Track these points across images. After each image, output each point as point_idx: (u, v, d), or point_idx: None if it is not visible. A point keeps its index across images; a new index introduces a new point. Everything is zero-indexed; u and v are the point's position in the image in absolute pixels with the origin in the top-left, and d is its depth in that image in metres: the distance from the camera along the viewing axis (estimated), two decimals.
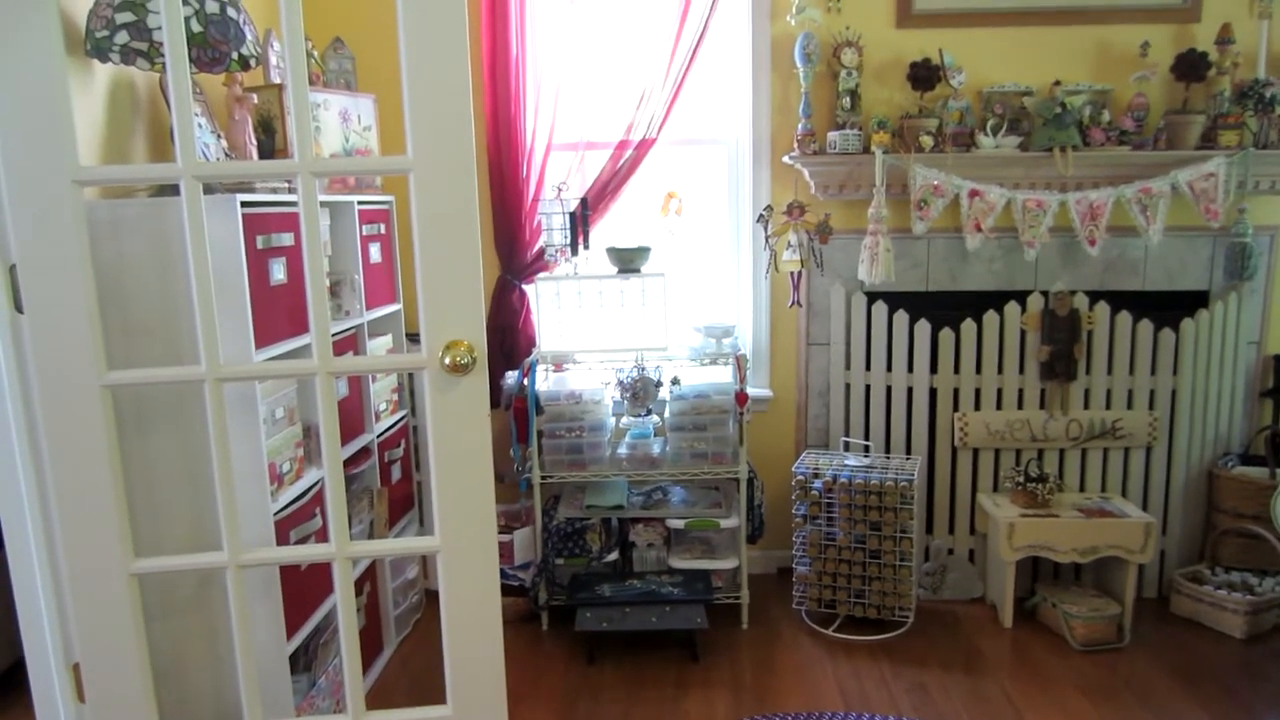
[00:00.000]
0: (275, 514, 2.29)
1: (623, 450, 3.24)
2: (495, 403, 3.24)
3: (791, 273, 3.31)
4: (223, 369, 1.67)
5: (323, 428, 1.68)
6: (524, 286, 3.46)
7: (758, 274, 3.46)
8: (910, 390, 3.42)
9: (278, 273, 2.32)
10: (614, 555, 3.22)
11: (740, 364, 3.08)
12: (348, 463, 2.80)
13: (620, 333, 3.16)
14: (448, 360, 1.65)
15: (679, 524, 3.19)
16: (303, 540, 2.41)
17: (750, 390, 3.26)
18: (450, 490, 1.74)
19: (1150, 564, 3.28)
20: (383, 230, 3.11)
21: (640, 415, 3.25)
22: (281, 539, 2.30)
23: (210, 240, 1.63)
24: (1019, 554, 3.11)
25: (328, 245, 2.79)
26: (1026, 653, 2.98)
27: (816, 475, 3.16)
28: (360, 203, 2.89)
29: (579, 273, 3.20)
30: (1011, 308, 3.34)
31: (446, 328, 1.67)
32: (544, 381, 3.38)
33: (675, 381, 3.17)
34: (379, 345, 3.07)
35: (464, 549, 1.76)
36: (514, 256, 3.41)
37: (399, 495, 3.21)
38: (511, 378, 3.26)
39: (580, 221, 3.17)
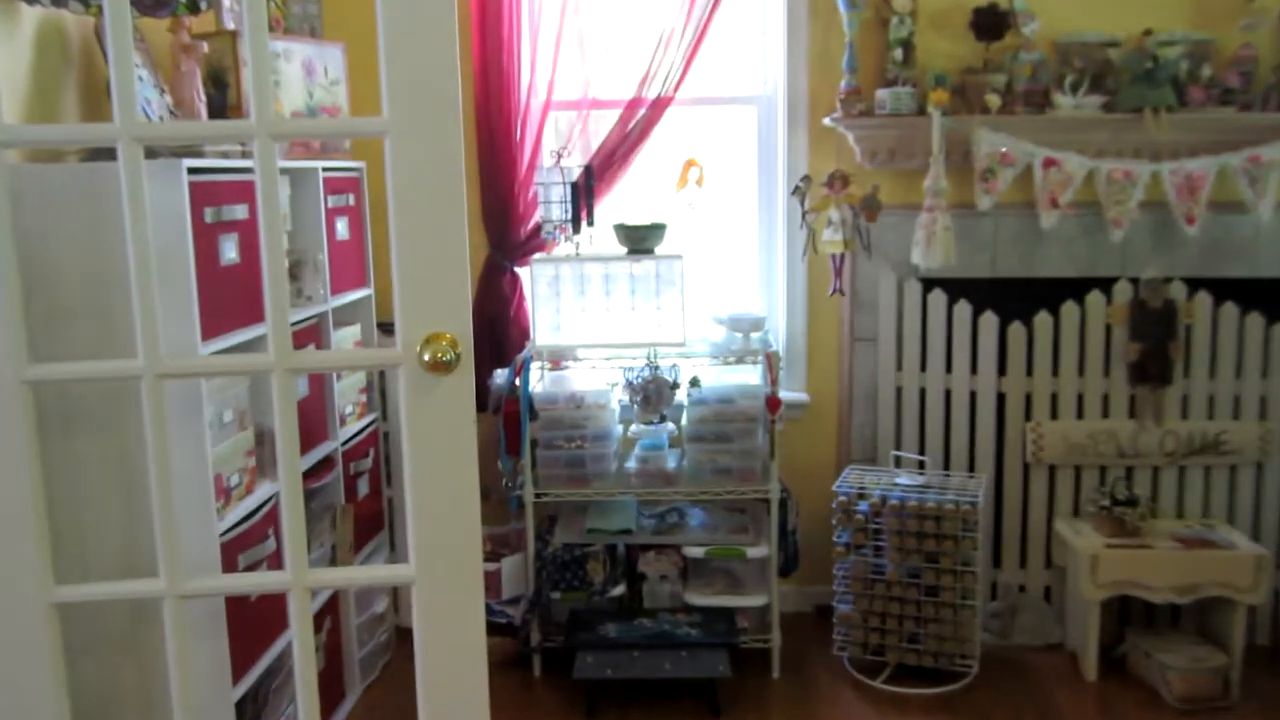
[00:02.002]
0: (222, 535, 2.30)
1: (632, 464, 3.24)
2: (482, 406, 3.23)
3: (833, 255, 3.30)
4: (164, 363, 1.68)
5: (279, 434, 1.69)
6: (516, 270, 3.47)
7: (793, 257, 3.45)
8: (974, 395, 3.42)
9: (229, 251, 2.33)
10: (620, 589, 3.22)
11: (771, 363, 3.08)
12: (307, 475, 2.81)
13: (630, 325, 3.16)
14: (427, 356, 1.65)
15: (698, 552, 3.19)
16: (253, 566, 2.42)
17: (783, 394, 3.24)
18: (428, 509, 1.74)
19: (1263, 605, 3.21)
20: (351, 202, 3.11)
21: (653, 423, 3.25)
22: (229, 564, 2.31)
23: (152, 212, 1.63)
24: (1105, 592, 3.09)
25: (287, 219, 2.78)
26: (1114, 711, 2.95)
27: (862, 496, 3.16)
28: (326, 170, 2.90)
29: (581, 254, 3.20)
30: (1094, 298, 3.34)
31: (425, 318, 1.67)
32: (539, 381, 3.37)
33: (694, 383, 3.17)
34: (345, 337, 3.07)
35: (443, 579, 1.76)
36: (505, 234, 3.41)
37: (367, 514, 3.22)
38: (501, 377, 3.26)
39: (583, 194, 3.17)
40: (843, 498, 3.17)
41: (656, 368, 3.14)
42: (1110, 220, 3.19)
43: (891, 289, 3.43)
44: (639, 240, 3.19)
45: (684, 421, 3.24)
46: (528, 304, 3.44)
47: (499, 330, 3.45)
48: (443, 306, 1.69)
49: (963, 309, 3.39)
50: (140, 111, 2.16)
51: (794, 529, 3.25)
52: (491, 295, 3.44)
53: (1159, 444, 3.31)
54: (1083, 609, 3.16)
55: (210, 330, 2.26)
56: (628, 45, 3.38)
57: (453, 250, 1.67)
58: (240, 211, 2.37)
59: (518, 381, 3.11)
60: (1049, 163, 3.17)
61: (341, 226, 3.03)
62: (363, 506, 3.18)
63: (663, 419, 3.29)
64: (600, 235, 3.32)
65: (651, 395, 3.13)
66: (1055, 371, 3.37)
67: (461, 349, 1.68)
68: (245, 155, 2.45)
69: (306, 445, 2.78)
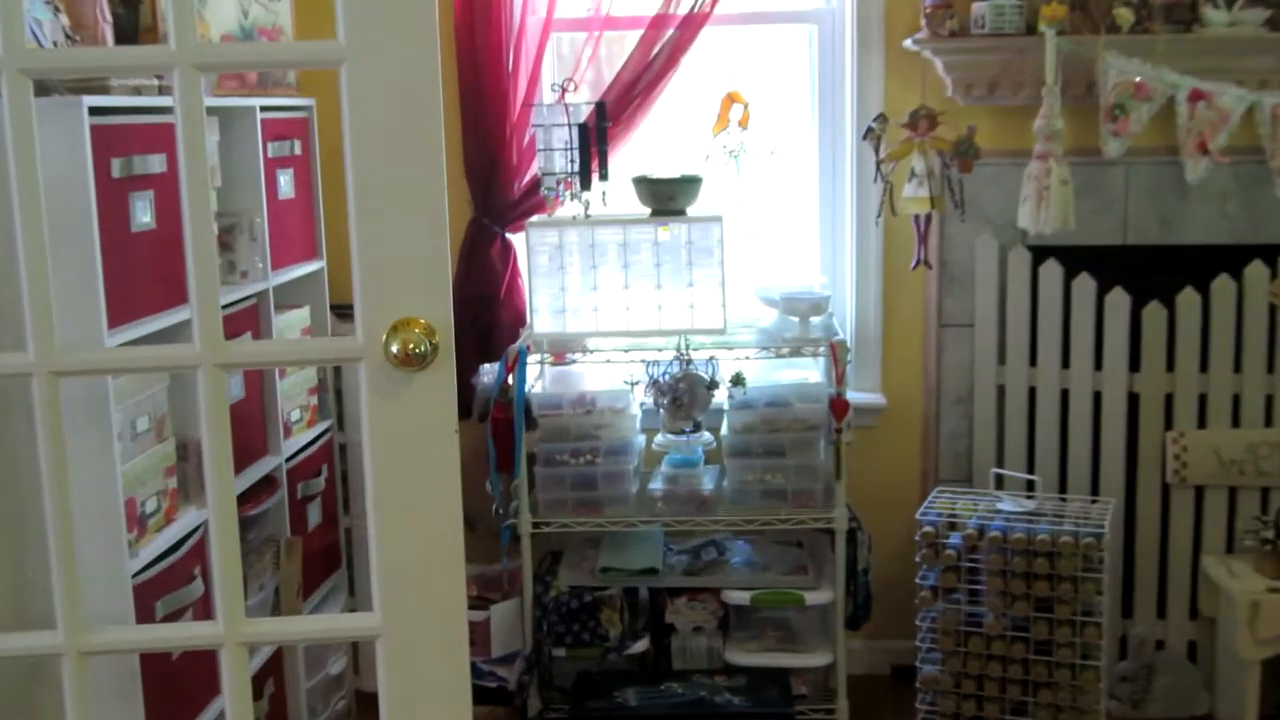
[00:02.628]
0: (135, 575, 2.30)
1: (657, 485, 3.24)
2: (465, 412, 3.26)
3: (915, 217, 3.29)
4: (59, 357, 1.68)
5: (207, 447, 1.69)
6: (509, 237, 3.48)
7: (863, 219, 3.45)
8: (1098, 396, 3.40)
9: (142, 213, 2.33)
10: (642, 645, 3.23)
11: (837, 355, 3.07)
12: (243, 499, 2.82)
13: (654, 307, 3.16)
14: (395, 348, 1.64)
15: (742, 598, 3.19)
16: (175, 615, 2.42)
17: (852, 396, 3.22)
18: (397, 543, 1.74)
19: None
20: (298, 150, 3.12)
21: (684, 432, 3.25)
22: (144, 613, 2.31)
23: (44, 163, 1.64)
24: (1267, 650, 3.08)
25: (216, 173, 2.79)
26: None
27: (953, 526, 3.16)
28: (265, 110, 2.91)
29: (592, 216, 3.21)
30: (1255, 271, 3.31)
31: (393, 299, 1.66)
32: (538, 380, 3.38)
33: (738, 381, 3.16)
34: (291, 324, 3.09)
35: (416, 632, 1.77)
36: (494, 191, 3.42)
37: (319, 548, 3.23)
38: (489, 374, 3.27)
39: (594, 139, 3.17)
40: (928, 528, 3.16)
41: (689, 362, 3.13)
42: (1276, 171, 3.16)
43: (992, 260, 3.41)
44: (666, 198, 3.18)
45: (724, 431, 3.23)
46: (523, 281, 3.44)
47: (487, 315, 3.45)
48: (415, 285, 1.68)
49: (1084, 286, 3.37)
50: (29, 36, 2.16)
51: (866, 568, 3.24)
52: (477, 270, 3.44)
53: None
54: (1238, 671, 3.15)
55: (119, 315, 2.26)
56: None
57: (428, 212, 1.67)
58: (156, 163, 2.37)
59: (510, 380, 3.11)
60: (1196, 96, 3.14)
61: (285, 182, 3.03)
62: (314, 539, 3.18)
63: (697, 427, 3.26)
64: (616, 192, 3.32)
65: (683, 397, 3.13)
66: (1204, 367, 3.35)
67: (439, 339, 1.68)
68: (163, 91, 2.44)
69: (242, 461, 2.78)
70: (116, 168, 2.26)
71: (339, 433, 3.40)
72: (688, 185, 3.19)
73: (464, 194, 3.43)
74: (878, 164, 3.27)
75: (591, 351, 3.23)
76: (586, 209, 3.22)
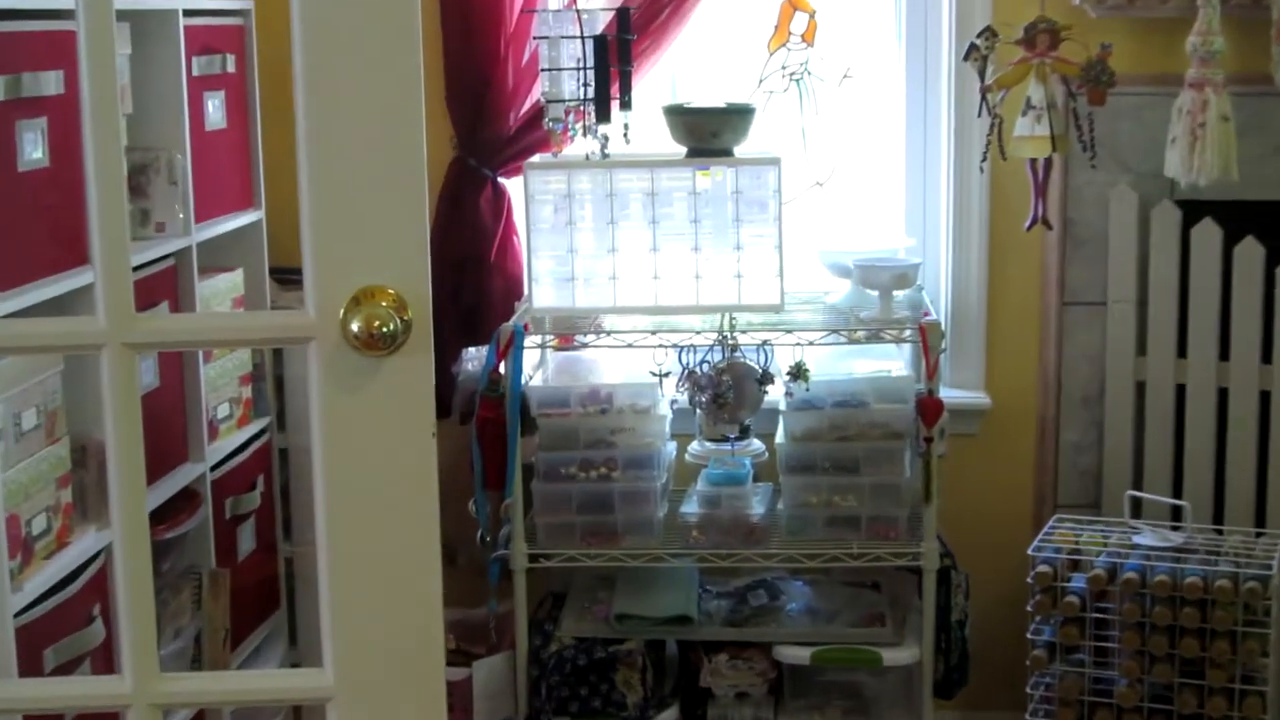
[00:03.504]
0: (18, 614, 2.30)
1: (692, 508, 3.25)
2: (443, 409, 3.26)
3: (1031, 162, 3.28)
4: None
5: (112, 450, 1.69)
6: (502, 182, 3.48)
7: (963, 164, 3.45)
8: (1266, 398, 3.40)
9: (31, 149, 2.33)
10: (670, 715, 3.22)
11: (928, 340, 3.07)
12: (157, 518, 2.80)
13: (690, 276, 3.15)
14: (355, 326, 1.63)
15: (800, 656, 3.19)
16: (70, 666, 2.41)
17: (947, 394, 3.20)
18: (354, 579, 1.75)
19: None
20: (231, 67, 3.12)
21: (728, 439, 3.24)
22: (30, 662, 2.31)
23: None
24: None
25: (127, 96, 2.79)
26: None
27: (1076, 566, 3.15)
28: (190, 14, 2.92)
29: (610, 156, 3.21)
30: None
31: (355, 262, 1.67)
32: (537, 369, 3.37)
33: (798, 374, 3.15)
34: (220, 291, 3.10)
35: (378, 694, 1.77)
36: (483, 123, 3.42)
37: (253, 583, 3.23)
38: (475, 361, 3.27)
39: (615, 56, 3.17)
40: (1044, 567, 3.14)
41: (735, 348, 3.13)
42: None
43: (1130, 219, 3.40)
44: (707, 134, 3.16)
45: (780, 438, 3.23)
46: (520, 240, 3.44)
47: (472, 284, 3.47)
48: (382, 244, 1.69)
49: (1250, 253, 3.35)
50: None
51: (962, 619, 3.24)
52: (461, 225, 3.45)
53: None
54: None
55: (0, 280, 2.26)
56: None
57: (399, 149, 1.67)
58: (50, 82, 2.36)
59: (502, 369, 3.11)
60: None
61: (214, 108, 3.02)
62: (247, 570, 3.18)
63: (744, 433, 3.26)
64: (642, 126, 3.30)
65: (726, 394, 3.11)
66: None
67: (413, 314, 1.68)
68: None
69: (155, 470, 2.79)
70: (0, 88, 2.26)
71: (279, 434, 3.40)
72: (735, 118, 3.17)
73: (445, 126, 3.43)
74: (983, 93, 3.25)
75: (608, 333, 3.22)
76: (603, 147, 3.21)
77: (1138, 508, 3.36)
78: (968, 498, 3.51)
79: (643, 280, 3.17)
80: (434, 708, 1.78)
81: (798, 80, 3.35)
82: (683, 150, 3.21)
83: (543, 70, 3.22)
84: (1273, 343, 3.38)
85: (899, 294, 3.22)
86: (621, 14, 3.20)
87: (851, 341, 3.22)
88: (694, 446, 3.31)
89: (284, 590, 3.42)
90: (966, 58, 3.27)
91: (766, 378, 3.15)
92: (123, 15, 2.69)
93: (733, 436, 3.25)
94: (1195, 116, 3.16)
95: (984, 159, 3.34)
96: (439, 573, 1.75)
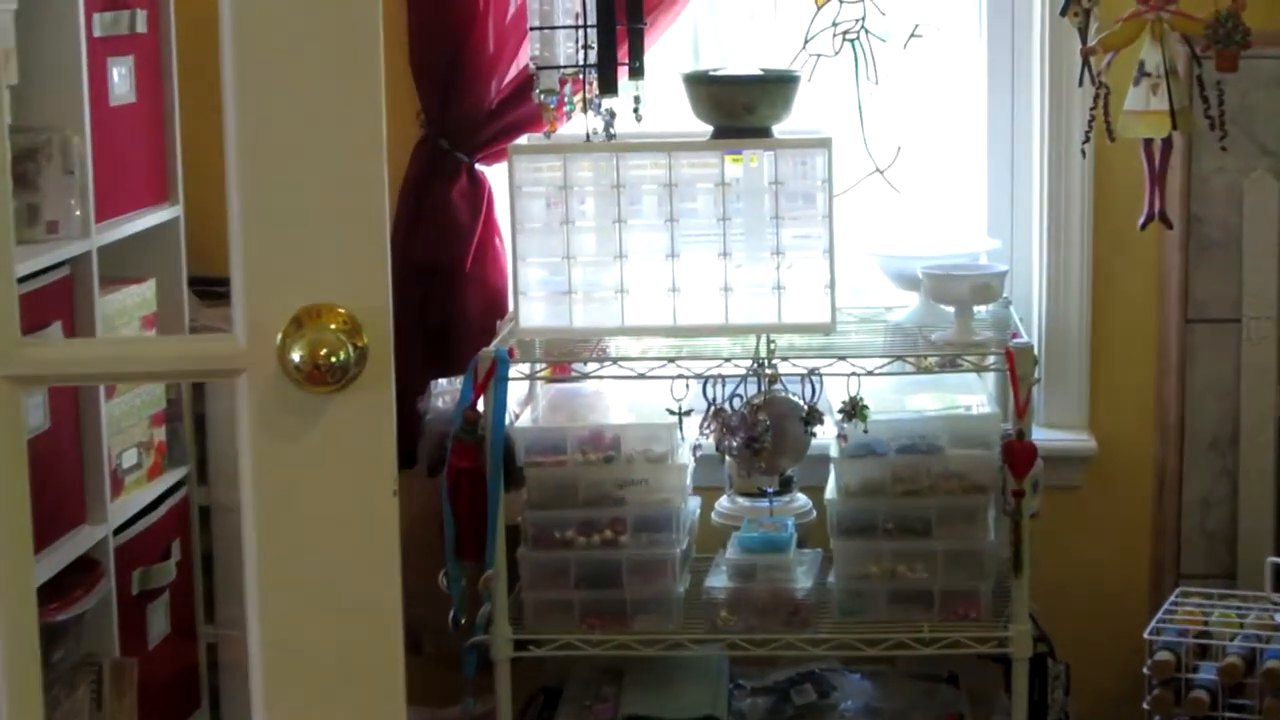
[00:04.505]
0: None
1: (720, 581, 3.23)
2: (407, 458, 3.25)
3: (1147, 143, 3.25)
4: None
5: None
6: (481, 169, 3.50)
7: (1060, 146, 3.46)
8: None
9: None
10: None
11: (1017, 369, 3.03)
12: (47, 594, 2.79)
13: (717, 288, 3.13)
14: (298, 355, 1.63)
15: None
16: None
17: (1041, 436, 3.19)
18: (295, 670, 1.74)
19: None
20: (141, 26, 3.12)
21: (765, 494, 3.25)
22: None
23: None
24: None
25: (12, 61, 2.78)
26: None
27: (1205, 652, 3.13)
28: None
29: (617, 137, 3.21)
30: None
31: (296, 273, 1.67)
32: (525, 406, 3.37)
33: (854, 411, 3.11)
34: (126, 308, 3.10)
35: None
36: (458, 95, 3.46)
37: (165, 676, 3.22)
38: (445, 395, 3.28)
39: (622, 11, 3.16)
40: (1165, 654, 3.12)
41: (774, 380, 3.12)
42: None
43: (1270, 213, 3.40)
44: (740, 110, 3.15)
45: (830, 493, 3.22)
46: (503, 243, 3.45)
47: (444, 298, 3.49)
48: (331, 250, 1.69)
49: None
50: None
51: (1062, 719, 3.21)
52: (429, 225, 3.47)
53: None
54: None
55: None
56: None
57: (351, 130, 1.68)
58: None
59: (481, 406, 3.08)
60: None
61: (120, 78, 3.03)
62: (159, 660, 3.17)
63: (785, 487, 3.25)
64: (658, 99, 3.30)
65: (763, 437, 3.09)
66: None
67: (368, 338, 1.67)
68: None
69: (45, 534, 2.79)
70: None
71: (200, 489, 3.40)
72: (775, 89, 3.17)
73: (409, 99, 3.46)
74: (1085, 57, 3.22)
75: (614, 360, 3.20)
76: (608, 126, 3.21)
77: None
78: (1068, 567, 3.51)
79: (658, 294, 3.16)
80: None
81: (853, 41, 3.32)
82: (708, 130, 3.20)
83: (532, 29, 3.20)
84: None
85: (980, 310, 3.23)
86: None
87: (920, 370, 3.20)
88: (722, 503, 3.32)
89: (205, 685, 3.40)
90: (1064, 12, 3.24)
91: (813, 417, 3.13)
92: None
93: (771, 491, 3.24)
94: None
95: (1086, 140, 3.30)
96: (401, 664, 1.75)
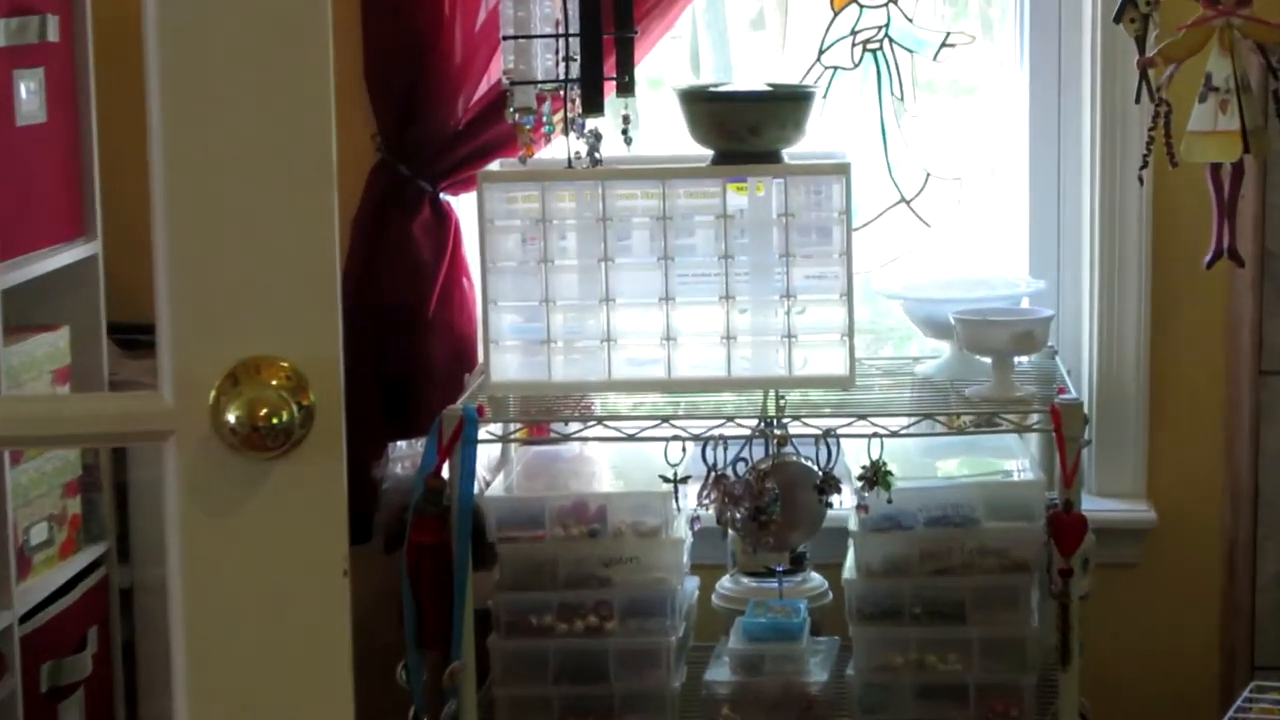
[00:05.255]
0: None
1: (721, 674, 3.23)
2: (361, 532, 3.23)
3: (1214, 168, 3.25)
4: None
5: None
6: (446, 201, 3.52)
7: (1114, 172, 3.47)
8: None
9: None
10: None
11: (1063, 429, 3.02)
12: None
13: (717, 338, 3.14)
14: (234, 416, 1.63)
15: None
16: None
17: (1092, 506, 3.19)
18: None
19: None
20: (53, 34, 3.11)
21: (774, 572, 3.25)
22: None
23: None
24: None
25: None
26: None
27: None
28: None
29: (604, 163, 3.19)
30: None
31: (232, 322, 1.68)
32: (498, 472, 3.38)
33: (874, 479, 3.10)
34: (36, 359, 3.09)
35: None
36: (418, 115, 3.47)
37: None
38: (405, 461, 3.29)
39: (610, 19, 3.14)
40: None
41: (784, 442, 3.12)
42: None
43: None
44: (744, 130, 3.15)
45: (849, 571, 3.21)
46: (472, 285, 3.47)
47: (404, 349, 3.49)
48: (270, 294, 1.69)
49: None
50: None
51: None
52: (387, 264, 3.48)
53: None
54: None
55: None
56: None
57: (297, 153, 1.69)
58: None
59: (446, 473, 3.07)
60: None
61: (29, 94, 3.03)
62: None
63: (797, 563, 3.25)
64: (650, 119, 3.35)
65: (771, 508, 3.08)
66: None
67: (315, 396, 1.67)
68: None
69: None
70: None
71: (120, 569, 3.38)
72: (784, 107, 3.17)
73: (364, 118, 3.48)
74: (1142, 70, 3.22)
75: (600, 420, 3.20)
76: (593, 149, 3.19)
77: None
78: (1124, 657, 3.51)
79: (650, 343, 3.16)
80: None
81: (875, 52, 3.37)
82: (708, 154, 3.20)
83: (505, 38, 3.19)
84: None
85: (1022, 361, 3.24)
86: None
87: (953, 431, 3.19)
88: (724, 584, 3.31)
89: None
90: (1118, 19, 3.25)
91: (829, 484, 3.12)
92: None
93: (780, 569, 3.25)
94: None
95: (1144, 165, 3.29)
96: None
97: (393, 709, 3.20)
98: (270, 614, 1.73)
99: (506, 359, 3.18)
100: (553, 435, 3.36)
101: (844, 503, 3.18)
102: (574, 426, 3.25)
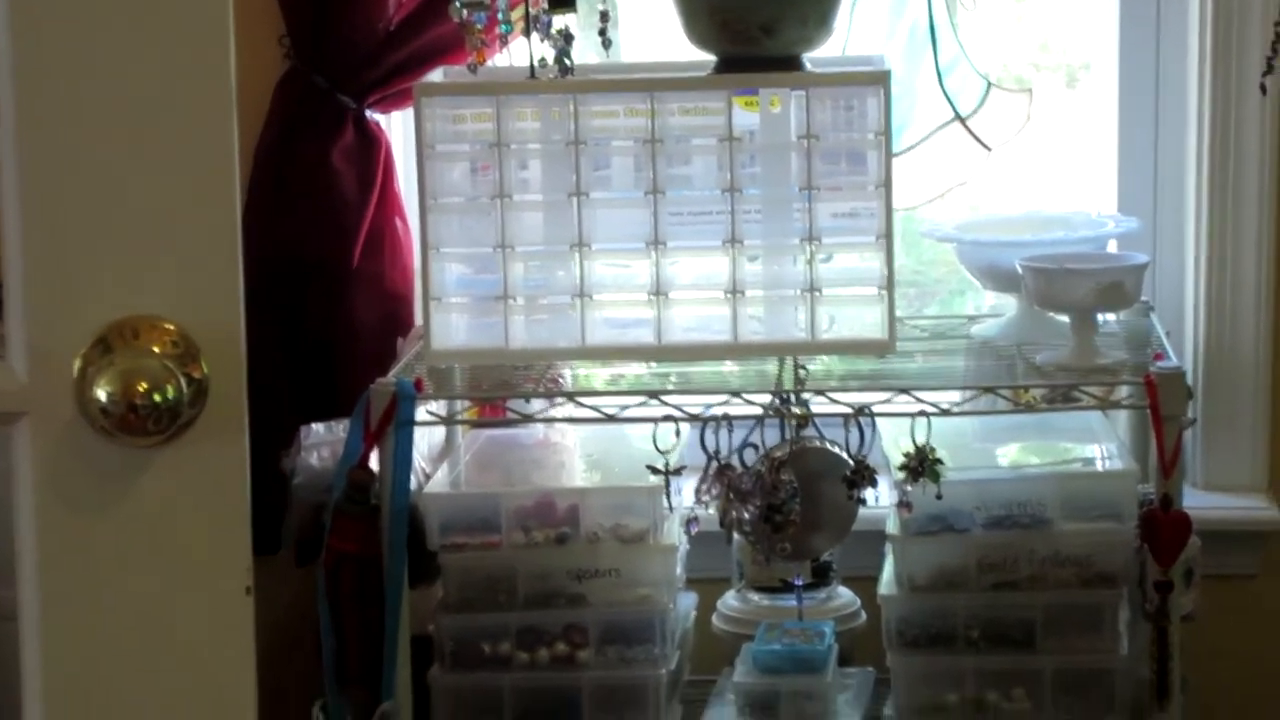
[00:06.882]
0: None
1: (724, 715, 3.26)
2: (268, 539, 3.31)
3: None
4: None
5: None
6: (373, 118, 3.56)
7: (1225, 83, 3.48)
8: None
9: None
10: None
11: (1160, 405, 3.05)
12: None
13: (719, 292, 3.15)
14: (105, 392, 1.66)
15: None
16: None
17: (1196, 502, 3.23)
18: None
19: None
20: None
21: (792, 585, 3.30)
22: None
23: None
24: None
25: None
26: None
27: None
28: None
29: (575, 72, 3.21)
30: None
31: (100, 275, 1.71)
32: (441, 462, 3.44)
33: (920, 469, 3.13)
34: None
35: None
36: (338, 13, 3.49)
37: None
38: (323, 447, 3.34)
39: None
40: None
41: (804, 423, 3.15)
42: None
43: None
44: (755, 30, 3.17)
45: (887, 585, 3.25)
46: (407, 227, 3.54)
47: (322, 308, 3.54)
48: (150, 238, 1.73)
49: None
50: None
51: None
52: (300, 201, 3.52)
53: None
54: None
55: None
56: None
57: (185, 67, 1.71)
58: None
59: (375, 463, 3.12)
60: None
61: None
62: None
63: (821, 575, 3.33)
64: (633, 16, 3.40)
65: (788, 506, 3.12)
66: None
67: (209, 368, 1.71)
68: None
69: None
70: None
71: None
72: (805, 1, 3.17)
73: (271, 17, 3.51)
74: None
75: (569, 396, 3.23)
76: (563, 55, 3.21)
77: None
78: (1238, 688, 3.55)
79: (634, 300, 3.17)
80: None
81: None
82: (710, 60, 3.23)
83: None
84: None
85: (1109, 320, 3.26)
86: None
87: (1020, 408, 3.19)
88: (729, 601, 3.36)
89: None
90: None
91: (862, 476, 3.14)
92: None
93: (800, 583, 3.29)
94: None
95: (1268, 70, 3.29)
96: None
97: None
98: (153, 643, 1.76)
99: (451, 320, 3.19)
100: (510, 415, 3.36)
101: (880, 499, 3.20)
102: (537, 405, 3.28)
